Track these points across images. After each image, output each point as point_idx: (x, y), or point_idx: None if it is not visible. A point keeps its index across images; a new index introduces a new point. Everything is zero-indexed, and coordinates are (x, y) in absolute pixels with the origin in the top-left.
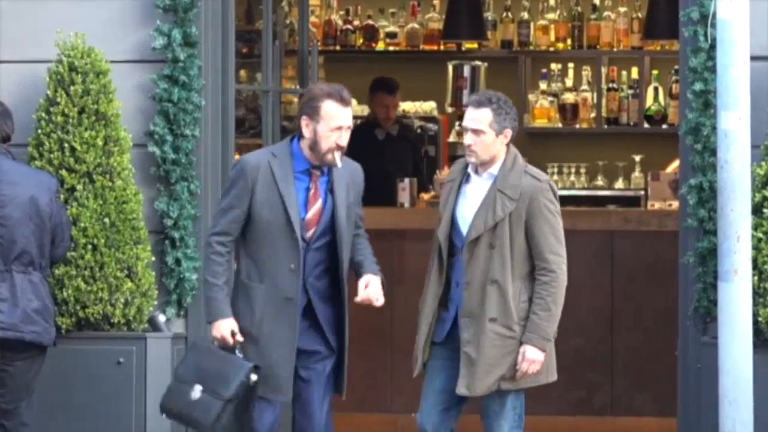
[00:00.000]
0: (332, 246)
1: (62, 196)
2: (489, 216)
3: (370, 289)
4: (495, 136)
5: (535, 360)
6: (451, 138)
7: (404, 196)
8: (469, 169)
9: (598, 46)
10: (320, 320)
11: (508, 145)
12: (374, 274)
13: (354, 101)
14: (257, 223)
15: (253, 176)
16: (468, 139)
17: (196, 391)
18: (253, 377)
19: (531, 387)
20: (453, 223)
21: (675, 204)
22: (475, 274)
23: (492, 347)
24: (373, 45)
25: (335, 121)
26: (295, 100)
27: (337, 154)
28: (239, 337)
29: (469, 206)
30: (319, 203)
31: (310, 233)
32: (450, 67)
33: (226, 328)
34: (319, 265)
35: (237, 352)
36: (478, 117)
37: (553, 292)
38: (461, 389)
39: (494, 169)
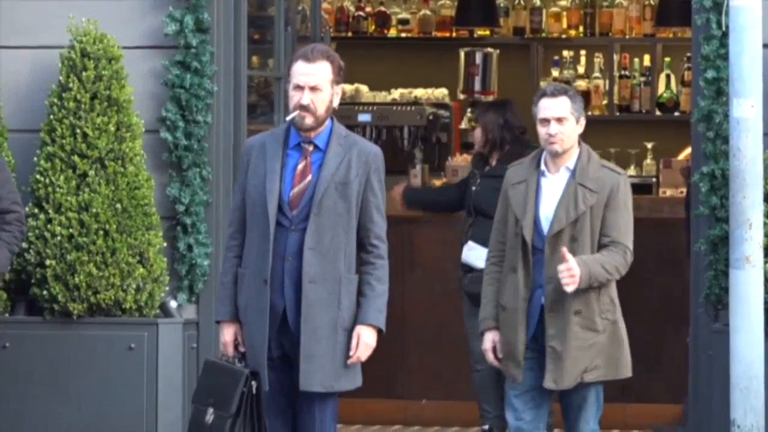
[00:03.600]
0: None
1: (74, 182)
2: (571, 209)
3: (359, 349)
4: (575, 123)
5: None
6: (463, 125)
7: (416, 183)
8: (542, 167)
9: (610, 34)
10: (286, 306)
11: (579, 138)
12: (367, 325)
13: (365, 87)
14: (247, 206)
15: (248, 157)
16: (553, 128)
17: (209, 415)
18: (254, 384)
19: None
20: (534, 222)
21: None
22: (557, 270)
23: (576, 340)
24: (385, 32)
25: (296, 78)
26: None
27: (301, 115)
28: (241, 348)
29: (548, 204)
30: (307, 180)
31: (295, 212)
32: (462, 54)
33: (227, 334)
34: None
35: (236, 361)
36: (558, 105)
37: (620, 264)
38: (548, 383)
39: (570, 163)
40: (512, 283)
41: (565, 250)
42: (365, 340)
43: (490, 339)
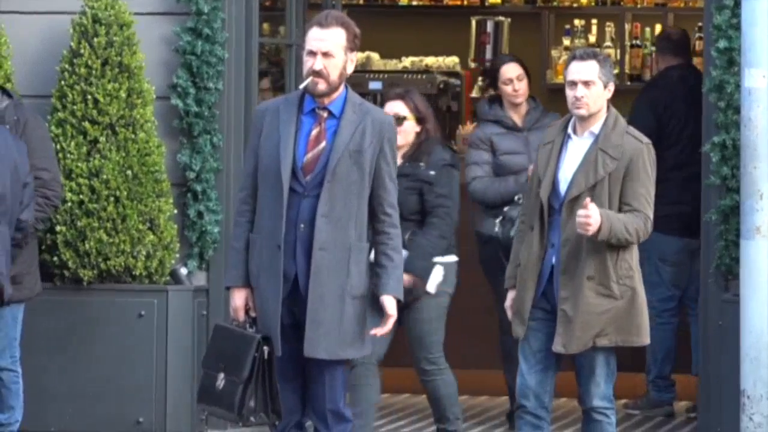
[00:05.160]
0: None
1: (85, 148)
2: (590, 174)
3: (387, 322)
4: (603, 88)
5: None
6: (474, 93)
7: None
8: (569, 130)
9: (621, 3)
10: (298, 273)
11: (608, 103)
12: (389, 295)
13: (375, 55)
14: (260, 171)
15: (261, 122)
16: (579, 91)
17: (220, 380)
18: (266, 349)
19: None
20: (553, 183)
21: None
22: (573, 233)
23: (588, 305)
24: None
25: (309, 44)
26: None
27: (314, 81)
28: (252, 313)
29: (569, 166)
30: (321, 146)
31: (308, 178)
32: (473, 23)
33: (237, 299)
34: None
35: (248, 326)
36: (586, 69)
37: (641, 229)
38: (557, 347)
39: (595, 127)
40: (529, 242)
41: (588, 199)
42: (391, 312)
43: (510, 297)
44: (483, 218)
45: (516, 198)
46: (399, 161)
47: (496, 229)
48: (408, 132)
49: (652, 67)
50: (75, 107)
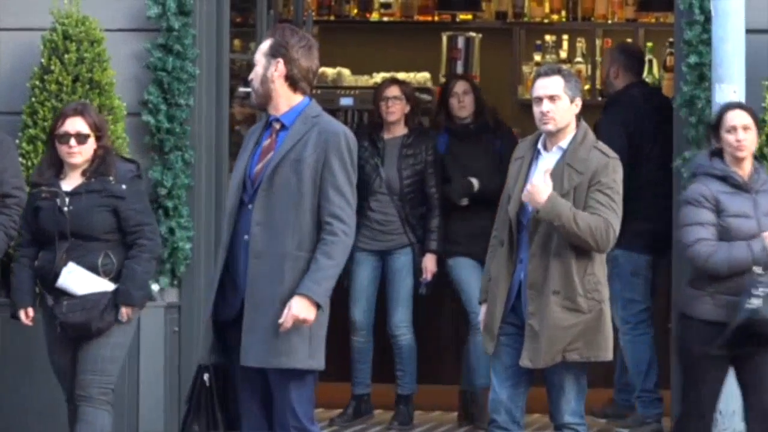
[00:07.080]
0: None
1: None
2: (555, 189)
3: (285, 316)
4: (569, 102)
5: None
6: None
7: None
8: (539, 146)
9: (592, 18)
10: (236, 280)
11: (578, 118)
12: (299, 295)
13: (347, 71)
14: None
15: (244, 139)
16: (545, 106)
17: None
18: (206, 376)
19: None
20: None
21: None
22: (539, 247)
23: (554, 320)
24: (368, 15)
25: None
26: None
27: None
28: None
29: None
30: (269, 157)
31: (254, 188)
32: (444, 38)
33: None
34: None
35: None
36: (551, 84)
37: (596, 228)
38: (524, 361)
39: (564, 143)
40: (500, 256)
41: (549, 169)
42: (293, 311)
43: (483, 311)
44: (696, 296)
45: (755, 269)
46: (81, 180)
47: (752, 304)
48: (89, 149)
49: None
50: (46, 124)
